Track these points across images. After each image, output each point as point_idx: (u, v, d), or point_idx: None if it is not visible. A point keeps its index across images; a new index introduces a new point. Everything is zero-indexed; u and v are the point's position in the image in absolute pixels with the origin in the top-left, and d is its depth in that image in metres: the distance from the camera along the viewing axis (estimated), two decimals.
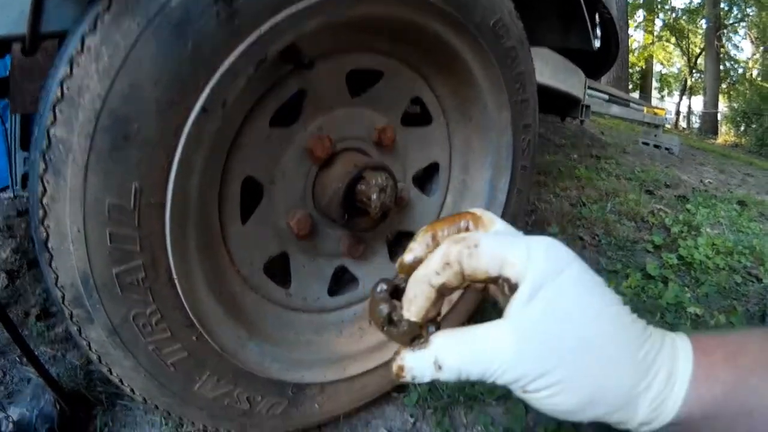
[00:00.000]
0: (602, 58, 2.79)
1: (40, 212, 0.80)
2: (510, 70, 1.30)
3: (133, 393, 0.98)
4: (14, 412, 1.17)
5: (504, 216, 1.46)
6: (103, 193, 0.79)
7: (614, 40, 2.64)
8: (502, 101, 1.32)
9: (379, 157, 1.24)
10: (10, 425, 1.14)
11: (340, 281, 1.40)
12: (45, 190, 0.79)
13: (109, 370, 0.94)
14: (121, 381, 0.96)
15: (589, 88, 2.96)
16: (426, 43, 1.18)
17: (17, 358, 1.44)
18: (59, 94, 0.76)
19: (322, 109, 1.12)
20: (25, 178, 1.57)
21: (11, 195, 2.20)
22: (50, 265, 0.83)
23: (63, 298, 0.85)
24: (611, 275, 2.31)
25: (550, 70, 2.17)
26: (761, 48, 26.05)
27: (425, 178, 1.50)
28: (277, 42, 0.90)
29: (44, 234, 0.81)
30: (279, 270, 1.21)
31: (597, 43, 2.16)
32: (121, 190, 0.80)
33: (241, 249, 1.09)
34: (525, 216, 2.91)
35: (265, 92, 1.02)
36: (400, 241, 1.48)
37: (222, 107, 0.88)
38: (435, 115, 1.36)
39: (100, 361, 0.92)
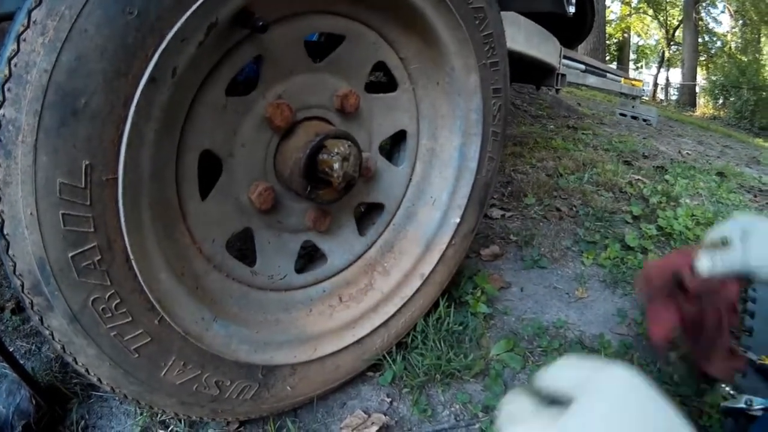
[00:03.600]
0: (578, 27, 2.78)
1: None
2: (478, 31, 1.27)
3: (100, 382, 0.96)
4: None
5: (476, 184, 1.45)
6: (53, 172, 0.77)
7: (590, 7, 2.62)
8: (470, 64, 1.30)
9: (343, 125, 1.21)
10: None
11: (308, 257, 1.39)
12: None
13: (74, 360, 0.92)
14: (87, 371, 0.93)
15: (565, 57, 2.94)
16: (389, 3, 1.16)
17: None
18: (7, 72, 0.74)
19: (281, 75, 1.09)
20: None
21: None
22: (7, 252, 0.81)
23: (22, 286, 0.83)
24: (590, 246, 2.31)
25: (524, 36, 2.14)
26: (739, 21, 26.25)
27: (393, 146, 1.48)
28: (227, 5, 0.88)
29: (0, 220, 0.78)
30: (243, 247, 1.18)
31: (571, 9, 2.12)
32: (71, 168, 0.78)
33: (201, 226, 1.06)
34: (500, 186, 2.90)
35: (219, 59, 0.98)
36: (369, 213, 1.47)
37: (172, 76, 0.85)
38: (400, 80, 1.33)
39: (64, 351, 0.90)
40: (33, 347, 1.48)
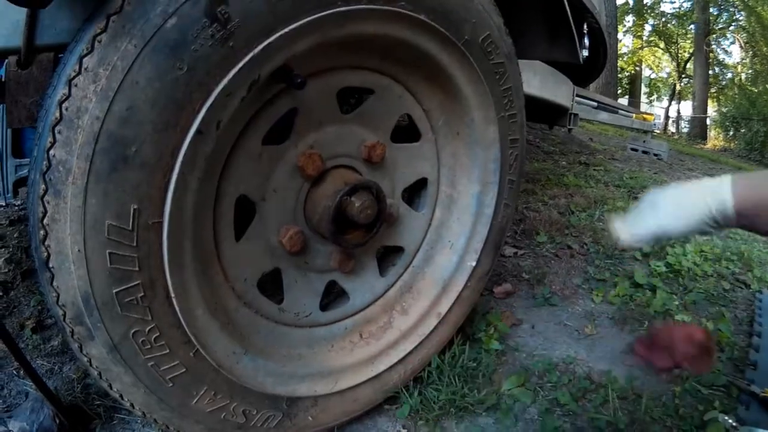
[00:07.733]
0: (591, 66, 2.81)
1: (41, 233, 0.82)
2: (498, 85, 1.32)
3: (133, 407, 1.00)
4: (14, 426, 1.18)
5: (492, 229, 1.49)
6: (102, 214, 0.81)
7: (602, 48, 2.65)
8: (490, 116, 1.34)
9: (369, 174, 1.26)
10: None
11: (331, 295, 1.43)
12: (45, 210, 0.80)
13: (110, 386, 0.95)
14: (121, 396, 0.97)
15: (578, 95, 2.96)
16: (415, 60, 1.20)
17: (14, 372, 1.45)
18: (58, 115, 0.77)
19: (313, 126, 1.14)
20: (16, 186, 1.56)
21: (2, 203, 2.19)
22: (51, 284, 0.84)
23: (64, 316, 0.87)
24: (599, 284, 2.33)
25: (539, 80, 2.19)
26: (750, 52, 26.12)
27: (414, 193, 1.52)
28: (269, 63, 0.92)
29: (45, 254, 0.83)
30: (272, 285, 1.22)
31: (585, 53, 2.18)
32: (120, 211, 0.82)
33: (235, 266, 1.11)
34: (513, 224, 2.92)
35: (257, 111, 1.04)
36: (389, 255, 1.52)
37: (217, 128, 0.90)
38: (423, 131, 1.38)
39: (100, 377, 0.94)
40: (55, 367, 1.51)
